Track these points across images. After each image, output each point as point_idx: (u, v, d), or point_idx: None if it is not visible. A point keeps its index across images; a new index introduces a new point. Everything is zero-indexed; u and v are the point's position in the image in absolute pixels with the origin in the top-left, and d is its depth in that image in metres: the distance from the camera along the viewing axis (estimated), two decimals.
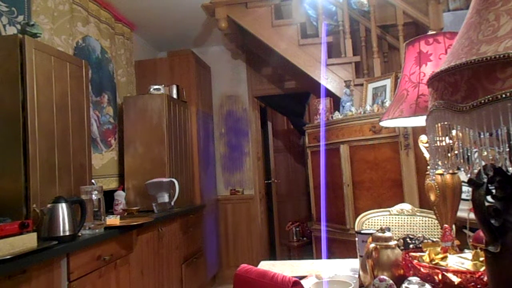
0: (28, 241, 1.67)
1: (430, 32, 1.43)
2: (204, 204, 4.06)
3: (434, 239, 1.33)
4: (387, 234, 1.17)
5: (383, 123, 1.52)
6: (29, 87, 1.96)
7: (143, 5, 3.53)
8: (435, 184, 1.31)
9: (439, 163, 0.82)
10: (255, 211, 4.59)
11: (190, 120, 4.00)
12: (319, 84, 3.44)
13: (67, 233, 1.90)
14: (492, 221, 0.71)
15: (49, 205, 1.92)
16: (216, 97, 4.75)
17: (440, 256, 1.11)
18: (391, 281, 1.02)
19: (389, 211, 1.95)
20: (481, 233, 1.17)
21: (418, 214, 1.88)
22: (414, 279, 1.02)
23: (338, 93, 3.37)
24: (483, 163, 0.70)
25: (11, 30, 2.31)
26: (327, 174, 3.18)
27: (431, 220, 1.81)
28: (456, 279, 0.94)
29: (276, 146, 6.02)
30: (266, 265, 1.67)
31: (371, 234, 1.23)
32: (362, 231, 1.36)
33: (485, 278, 0.90)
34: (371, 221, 1.95)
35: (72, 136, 2.28)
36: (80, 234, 2.05)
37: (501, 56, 0.60)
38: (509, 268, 0.69)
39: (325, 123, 3.21)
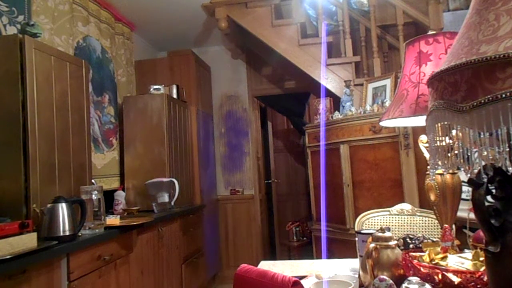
0: (28, 241, 1.67)
1: (430, 32, 1.43)
2: (204, 204, 4.06)
3: (434, 239, 1.33)
4: (387, 234, 1.16)
5: (383, 123, 1.52)
6: (29, 87, 1.96)
7: (143, 5, 3.53)
8: (435, 184, 1.31)
9: (439, 163, 0.82)
10: (255, 211, 4.59)
11: (190, 120, 4.00)
12: (319, 84, 3.44)
13: (67, 233, 1.90)
14: (492, 221, 0.71)
15: (49, 205, 1.92)
16: (216, 97, 4.75)
17: (440, 256, 1.10)
18: (391, 281, 1.02)
19: (389, 211, 1.95)
20: (481, 233, 1.17)
21: (418, 214, 1.88)
22: (414, 279, 1.02)
23: (338, 93, 3.37)
24: (483, 163, 0.70)
25: (11, 30, 2.31)
26: (327, 174, 3.18)
27: (431, 220, 1.81)
28: (456, 279, 0.94)
29: (276, 146, 6.02)
30: (266, 265, 1.67)
31: (371, 234, 1.23)
32: (362, 231, 1.36)
33: (485, 278, 0.90)
34: (371, 221, 1.95)
35: (72, 136, 2.28)
36: (80, 234, 2.05)
37: (501, 56, 0.60)
38: (509, 268, 0.69)
39: (325, 123, 3.21)
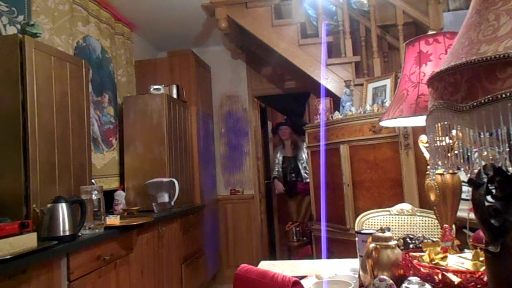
0: (28, 241, 1.67)
1: (430, 32, 1.43)
2: (204, 204, 4.06)
3: (434, 239, 1.33)
4: (387, 234, 1.16)
5: (383, 123, 1.52)
6: (29, 87, 1.96)
7: (143, 5, 3.53)
8: (435, 184, 1.31)
9: (439, 163, 0.82)
10: (255, 211, 4.59)
11: (190, 120, 4.00)
12: (319, 84, 3.44)
13: (67, 233, 1.90)
14: (492, 221, 0.71)
15: (49, 205, 1.92)
16: (216, 97, 4.75)
17: (440, 256, 1.10)
18: (391, 281, 1.02)
19: (389, 211, 1.95)
20: (481, 233, 1.17)
21: (418, 214, 1.88)
22: (414, 279, 1.02)
23: (338, 93, 3.37)
24: (483, 163, 0.70)
25: (11, 30, 2.31)
26: (327, 174, 3.18)
27: (431, 220, 1.81)
28: (456, 279, 0.94)
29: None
30: (266, 265, 1.67)
31: (371, 234, 1.23)
32: (362, 231, 1.36)
33: (485, 278, 0.90)
34: (371, 221, 1.95)
35: (72, 136, 2.28)
36: (80, 234, 2.05)
37: (501, 56, 0.60)
38: (509, 268, 0.69)
39: (325, 123, 3.21)
